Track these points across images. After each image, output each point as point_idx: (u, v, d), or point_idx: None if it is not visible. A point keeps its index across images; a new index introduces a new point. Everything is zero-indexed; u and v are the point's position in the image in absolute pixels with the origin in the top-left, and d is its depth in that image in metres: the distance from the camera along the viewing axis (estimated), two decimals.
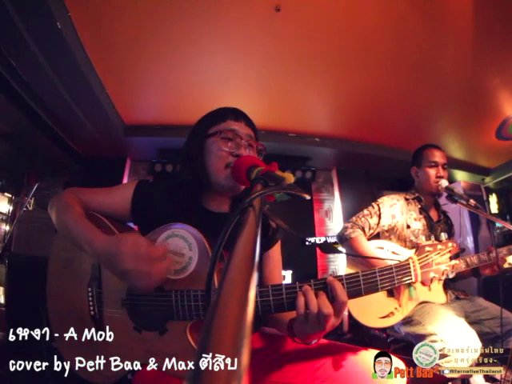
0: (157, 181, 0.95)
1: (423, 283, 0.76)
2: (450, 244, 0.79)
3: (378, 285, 0.72)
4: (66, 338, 0.84)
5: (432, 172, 1.56)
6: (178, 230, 0.74)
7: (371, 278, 0.71)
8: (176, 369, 0.70)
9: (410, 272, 0.75)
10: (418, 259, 0.77)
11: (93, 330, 0.80)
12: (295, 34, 1.89)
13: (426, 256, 0.78)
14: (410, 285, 0.87)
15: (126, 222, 0.93)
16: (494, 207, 3.74)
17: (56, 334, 0.85)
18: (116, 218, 0.89)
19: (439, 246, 0.79)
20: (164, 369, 0.73)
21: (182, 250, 0.73)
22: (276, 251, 0.98)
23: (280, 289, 0.69)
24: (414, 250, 1.48)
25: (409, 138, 2.92)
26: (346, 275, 0.71)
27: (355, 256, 1.48)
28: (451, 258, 0.79)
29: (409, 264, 0.75)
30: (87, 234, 0.74)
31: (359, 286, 0.70)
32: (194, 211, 0.86)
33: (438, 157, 1.59)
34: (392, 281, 0.73)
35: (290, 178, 0.58)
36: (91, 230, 0.75)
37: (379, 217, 1.53)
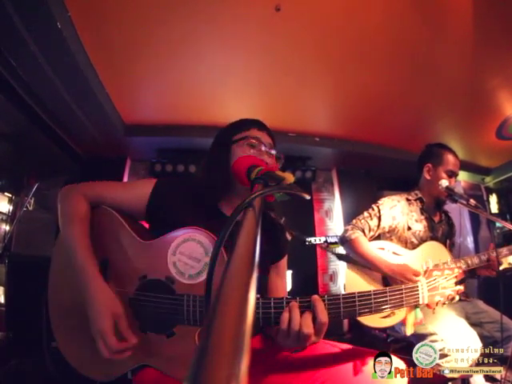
0: (176, 181, 0.96)
1: (428, 306, 0.80)
2: (456, 270, 0.84)
3: (387, 304, 0.74)
4: (67, 334, 0.84)
5: (447, 180, 1.53)
6: (195, 235, 0.74)
7: (381, 297, 0.73)
8: (178, 372, 0.70)
9: (418, 294, 0.78)
10: (427, 283, 0.80)
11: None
12: (295, 34, 1.89)
13: (434, 280, 0.81)
14: (416, 306, 0.92)
15: (139, 219, 0.93)
16: (494, 207, 3.74)
17: (57, 333, 0.85)
18: (130, 214, 0.89)
19: (446, 272, 0.83)
20: (166, 371, 0.73)
21: (198, 255, 0.73)
22: (284, 264, 0.99)
23: (269, 303, 0.70)
24: (414, 252, 1.49)
25: (409, 138, 2.92)
26: (358, 293, 0.72)
27: (358, 256, 1.48)
28: (456, 284, 0.83)
29: (417, 287, 0.78)
30: (81, 264, 0.76)
31: (370, 304, 0.72)
32: (212, 216, 0.86)
33: (456, 166, 1.57)
34: (401, 301, 0.76)
35: (289, 177, 0.58)
36: (86, 262, 0.76)
37: (379, 219, 1.53)
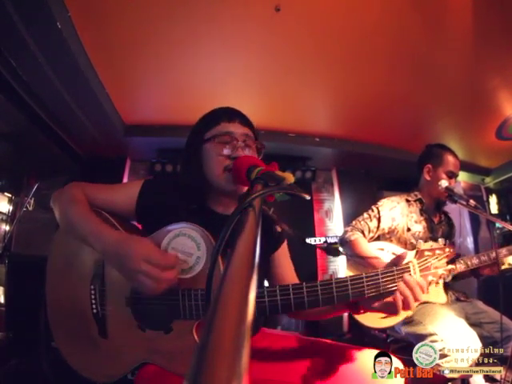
0: (163, 181, 0.94)
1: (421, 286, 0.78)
2: (447, 249, 0.82)
3: (380, 286, 0.73)
4: (67, 337, 0.84)
5: (446, 181, 1.52)
6: (186, 230, 0.74)
7: (374, 280, 0.73)
8: (179, 367, 0.70)
9: (410, 275, 0.77)
10: (418, 263, 0.79)
11: (95, 328, 0.80)
12: (295, 34, 1.89)
13: (425, 260, 0.80)
14: None
15: (131, 220, 0.92)
16: (494, 208, 3.74)
17: (56, 336, 0.85)
18: (121, 216, 0.88)
19: (437, 251, 0.82)
20: (167, 367, 0.73)
21: (190, 249, 0.73)
22: (284, 250, 0.99)
23: (287, 289, 0.71)
24: (414, 252, 1.49)
25: (409, 138, 2.92)
26: (350, 277, 0.73)
27: (358, 257, 1.48)
28: (448, 263, 0.81)
29: (409, 267, 0.77)
30: (96, 228, 0.74)
31: (362, 287, 0.72)
32: (201, 213, 0.86)
33: (456, 167, 1.56)
34: (393, 282, 0.75)
35: (289, 178, 0.58)
36: (100, 225, 0.75)
37: (379, 220, 1.53)
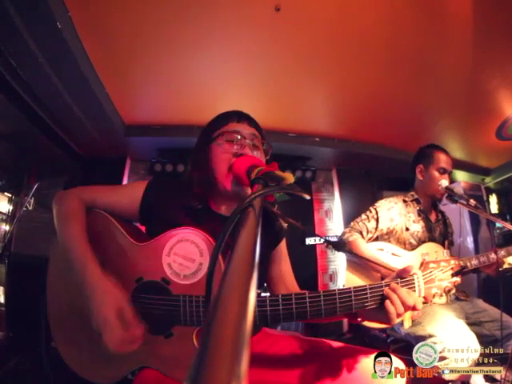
0: (168, 181, 0.94)
1: (425, 298, 0.77)
2: (452, 261, 0.81)
3: (383, 297, 0.73)
4: (67, 337, 0.84)
5: (439, 178, 1.54)
6: (188, 235, 0.74)
7: (378, 291, 0.73)
8: (178, 372, 0.70)
9: (415, 287, 0.76)
10: (423, 275, 0.78)
11: (94, 329, 0.80)
12: (295, 34, 1.89)
13: (430, 272, 0.79)
14: None
15: (133, 221, 0.92)
16: (494, 207, 3.74)
17: (56, 336, 0.85)
18: (123, 217, 0.88)
19: (442, 263, 0.81)
20: (165, 372, 0.72)
21: (193, 255, 0.73)
22: (283, 248, 0.99)
23: (290, 298, 0.70)
24: (413, 254, 1.49)
25: (409, 138, 2.92)
26: (354, 288, 0.72)
27: (357, 258, 1.48)
28: (453, 275, 0.80)
29: (413, 279, 0.76)
30: (81, 263, 0.75)
31: (366, 299, 0.72)
32: (205, 215, 0.85)
33: (447, 164, 1.58)
34: None
35: (290, 177, 0.58)
36: (86, 260, 0.74)
37: (377, 220, 1.54)
